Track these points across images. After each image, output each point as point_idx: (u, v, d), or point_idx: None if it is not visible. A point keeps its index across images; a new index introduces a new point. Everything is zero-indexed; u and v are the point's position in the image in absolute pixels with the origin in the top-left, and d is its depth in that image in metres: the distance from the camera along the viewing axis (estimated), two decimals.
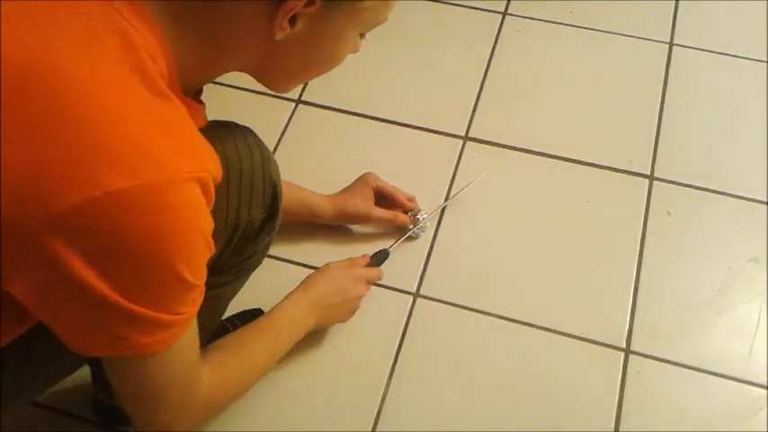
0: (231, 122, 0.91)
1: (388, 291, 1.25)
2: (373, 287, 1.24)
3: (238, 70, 0.79)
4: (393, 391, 1.16)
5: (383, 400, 1.15)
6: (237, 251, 0.92)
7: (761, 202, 1.35)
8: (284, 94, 1.49)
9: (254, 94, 1.49)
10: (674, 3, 1.65)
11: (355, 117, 1.48)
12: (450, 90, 1.52)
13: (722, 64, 1.55)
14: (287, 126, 1.46)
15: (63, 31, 0.63)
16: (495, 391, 1.16)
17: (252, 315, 1.19)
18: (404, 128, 1.46)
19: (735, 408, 1.15)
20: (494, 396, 1.15)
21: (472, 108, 1.48)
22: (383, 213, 1.28)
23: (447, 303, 1.24)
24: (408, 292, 1.25)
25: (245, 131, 0.91)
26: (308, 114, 1.48)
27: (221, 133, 0.87)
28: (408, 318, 1.23)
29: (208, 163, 0.67)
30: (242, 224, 0.89)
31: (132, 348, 0.69)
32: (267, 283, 1.25)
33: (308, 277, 1.12)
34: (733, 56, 1.56)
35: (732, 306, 1.25)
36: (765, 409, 1.14)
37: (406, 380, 1.17)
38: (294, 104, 1.49)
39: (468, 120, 1.47)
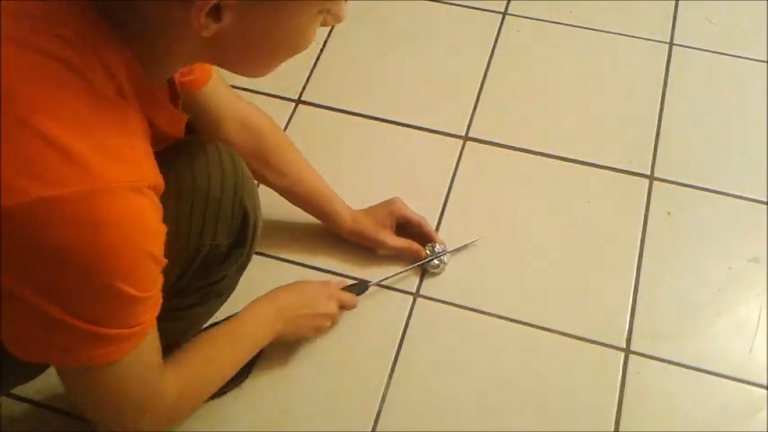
0: (212, 143, 0.88)
1: (389, 290, 1.25)
2: (374, 286, 1.24)
3: (201, 63, 0.76)
4: (393, 391, 1.16)
5: (383, 400, 1.15)
6: (203, 274, 0.90)
7: (761, 202, 1.35)
8: (284, 94, 1.50)
9: (253, 94, 1.49)
10: (673, 3, 1.65)
11: (355, 117, 1.48)
12: (450, 90, 1.52)
13: (722, 64, 1.55)
14: (287, 126, 1.46)
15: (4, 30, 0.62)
16: (495, 391, 1.16)
17: None
18: (404, 128, 1.46)
19: (735, 408, 1.15)
20: (494, 396, 1.15)
21: (472, 108, 1.48)
22: (397, 242, 1.25)
23: (447, 303, 1.24)
24: (408, 292, 1.25)
25: (224, 152, 0.87)
26: (308, 114, 1.48)
27: (194, 151, 0.84)
28: (408, 318, 1.23)
29: (147, 172, 0.65)
30: (205, 248, 0.86)
31: (78, 360, 0.68)
32: (267, 284, 1.26)
33: (277, 287, 1.09)
34: (733, 56, 1.56)
35: (732, 306, 1.25)
36: (765, 409, 1.14)
37: (406, 380, 1.17)
38: (294, 104, 1.49)
39: (468, 120, 1.47)
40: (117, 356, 0.69)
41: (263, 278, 1.26)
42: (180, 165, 0.72)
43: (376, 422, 1.13)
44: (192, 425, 1.09)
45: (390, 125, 1.46)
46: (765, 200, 1.36)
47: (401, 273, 1.24)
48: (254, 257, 1.27)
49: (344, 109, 1.49)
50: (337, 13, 0.73)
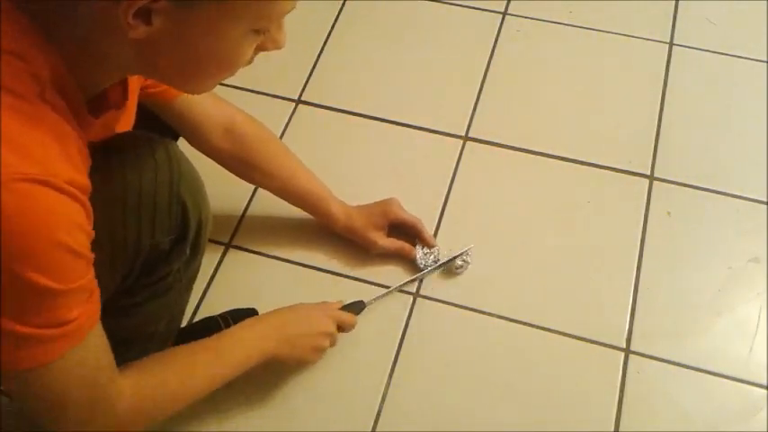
0: (144, 135, 0.86)
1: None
2: (373, 286, 1.24)
3: (138, 74, 0.75)
4: (393, 391, 1.15)
5: (383, 400, 1.15)
6: (148, 272, 0.88)
7: (761, 202, 1.35)
8: (284, 94, 1.50)
9: (253, 94, 1.49)
10: (673, 3, 1.65)
11: (355, 117, 1.48)
12: (450, 90, 1.52)
13: (722, 64, 1.55)
14: (287, 126, 1.46)
15: None
16: (495, 391, 1.16)
17: (246, 314, 1.17)
18: (404, 128, 1.46)
19: (735, 408, 1.15)
20: (494, 396, 1.15)
21: (472, 108, 1.48)
22: (387, 244, 1.25)
23: (447, 303, 1.24)
24: (408, 292, 1.25)
25: (158, 146, 0.85)
26: (308, 114, 1.48)
27: (126, 149, 0.83)
28: (408, 318, 1.23)
29: (59, 168, 0.64)
30: (145, 247, 0.84)
31: (7, 363, 0.66)
32: (266, 283, 1.26)
33: (274, 309, 1.06)
34: (733, 56, 1.56)
35: (732, 306, 1.24)
36: (765, 409, 1.14)
37: (406, 380, 1.17)
38: (294, 104, 1.49)
39: (468, 120, 1.47)
40: (47, 359, 0.68)
41: (263, 278, 1.27)
42: (110, 165, 0.71)
43: (376, 422, 1.13)
44: (190, 424, 1.09)
45: (390, 125, 1.46)
46: (765, 200, 1.36)
47: (400, 285, 1.23)
48: (252, 257, 1.28)
49: (344, 109, 1.49)
50: (276, 38, 0.73)
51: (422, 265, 1.25)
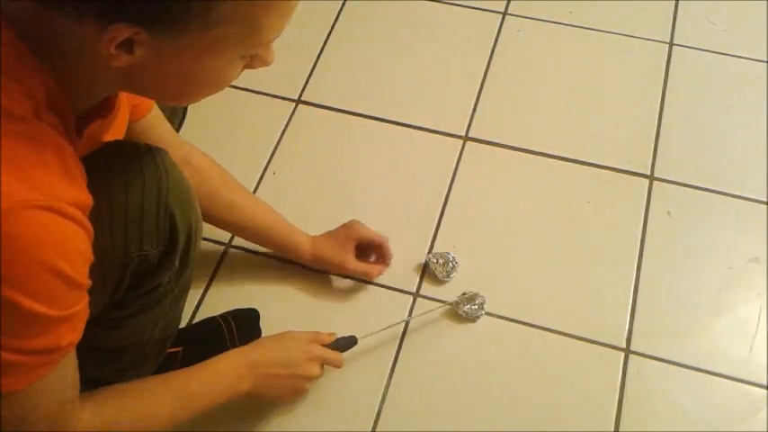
0: (132, 144, 0.85)
1: (389, 291, 1.25)
2: (373, 286, 1.24)
3: (126, 91, 0.76)
4: (393, 391, 1.16)
5: (383, 400, 1.15)
6: (137, 285, 0.87)
7: (761, 202, 1.35)
8: (284, 94, 1.50)
9: (253, 94, 1.49)
10: (673, 3, 1.65)
11: (355, 117, 1.48)
12: (450, 90, 1.52)
13: (722, 64, 1.55)
14: (287, 126, 1.46)
15: None
16: (495, 391, 1.16)
17: (247, 314, 1.19)
18: (404, 128, 1.46)
19: (735, 408, 1.15)
20: (494, 396, 1.15)
21: (472, 108, 1.48)
22: (358, 267, 1.22)
23: (446, 303, 1.24)
24: (408, 292, 1.25)
25: (145, 156, 0.84)
26: (308, 114, 1.48)
27: (112, 158, 0.82)
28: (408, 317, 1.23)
29: (63, 191, 0.63)
30: (133, 259, 0.83)
31: None
32: (266, 283, 1.26)
33: (263, 338, 1.04)
34: (733, 56, 1.56)
35: (732, 306, 1.25)
36: (765, 409, 1.14)
37: (406, 380, 1.17)
38: (294, 104, 1.49)
39: (468, 120, 1.47)
40: (22, 384, 0.66)
41: (263, 278, 1.27)
42: (96, 176, 0.70)
43: (376, 422, 1.13)
44: (191, 424, 1.09)
45: (390, 125, 1.46)
46: (765, 200, 1.36)
47: (393, 325, 1.19)
48: (252, 256, 1.28)
49: (344, 109, 1.49)
50: (264, 57, 0.72)
51: (440, 276, 1.25)
